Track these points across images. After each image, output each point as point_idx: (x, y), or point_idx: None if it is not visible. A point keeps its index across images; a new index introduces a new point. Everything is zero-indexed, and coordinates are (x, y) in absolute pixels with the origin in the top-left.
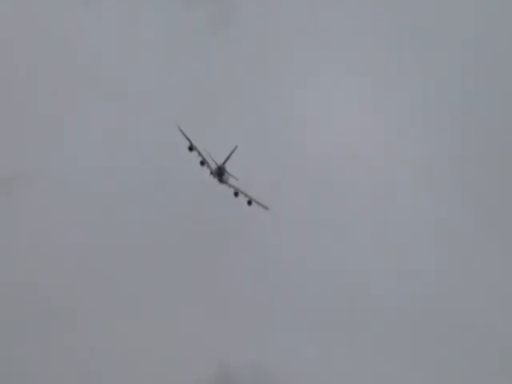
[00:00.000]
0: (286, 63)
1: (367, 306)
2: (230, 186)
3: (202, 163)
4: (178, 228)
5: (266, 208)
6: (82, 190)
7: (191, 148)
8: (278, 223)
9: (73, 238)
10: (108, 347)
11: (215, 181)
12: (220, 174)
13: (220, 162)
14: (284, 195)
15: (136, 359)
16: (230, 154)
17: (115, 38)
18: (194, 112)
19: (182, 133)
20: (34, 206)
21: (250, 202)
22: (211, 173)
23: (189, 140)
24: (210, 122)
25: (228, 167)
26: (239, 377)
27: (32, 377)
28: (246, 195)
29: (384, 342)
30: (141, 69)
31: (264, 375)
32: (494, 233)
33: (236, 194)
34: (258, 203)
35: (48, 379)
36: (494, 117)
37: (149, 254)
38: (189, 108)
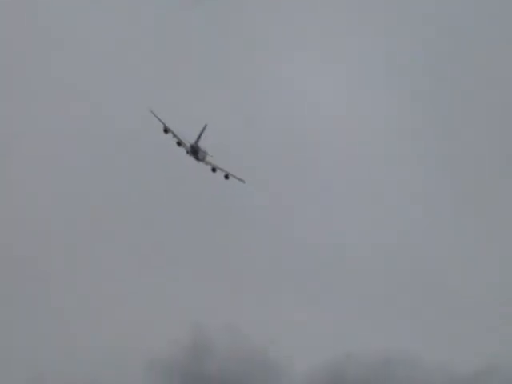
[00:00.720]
0: (262, 39)
1: (345, 268)
2: (207, 163)
3: (179, 144)
4: (160, 193)
5: (242, 181)
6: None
7: (166, 130)
8: (254, 194)
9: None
10: (81, 306)
11: (192, 159)
12: (195, 152)
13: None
14: (262, 168)
15: (110, 318)
16: (201, 133)
17: (83, 15)
18: (169, 90)
19: (155, 116)
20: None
21: (226, 177)
22: (187, 152)
23: (162, 122)
24: (185, 100)
25: (207, 146)
26: (214, 339)
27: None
28: (222, 170)
29: (352, 300)
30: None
31: (239, 337)
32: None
33: (214, 170)
34: (234, 177)
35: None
36: (476, 94)
37: (128, 215)
38: (163, 85)
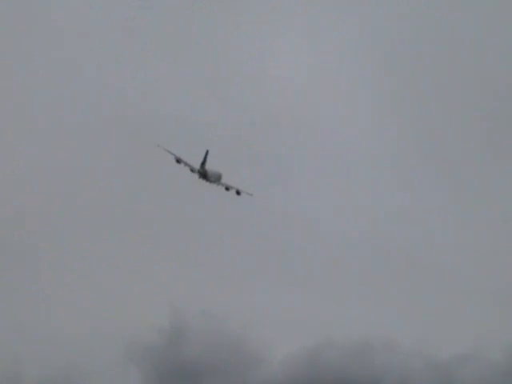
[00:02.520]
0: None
1: (324, 254)
2: (219, 183)
3: (178, 161)
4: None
5: (250, 195)
6: None
7: (178, 161)
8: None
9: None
10: (60, 292)
11: (204, 182)
12: (204, 176)
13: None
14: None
15: (89, 304)
16: (205, 157)
17: None
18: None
19: (166, 150)
20: None
21: (238, 192)
22: (200, 177)
23: (173, 154)
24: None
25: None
26: (192, 324)
27: None
28: (233, 187)
29: (330, 285)
30: None
31: (217, 323)
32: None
33: (227, 189)
34: (244, 192)
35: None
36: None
37: (111, 204)
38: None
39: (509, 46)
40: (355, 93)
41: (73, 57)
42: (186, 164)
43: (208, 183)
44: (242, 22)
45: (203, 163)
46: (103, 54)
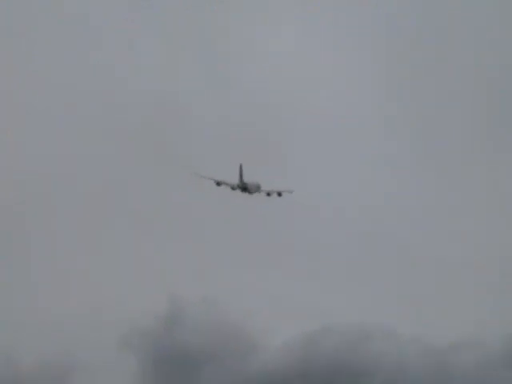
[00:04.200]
0: None
1: (320, 241)
2: (260, 191)
3: (219, 184)
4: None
5: (291, 192)
6: None
7: (218, 183)
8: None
9: None
10: (55, 278)
11: (246, 195)
12: (245, 189)
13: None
14: None
15: (86, 290)
16: (241, 172)
17: None
18: None
19: (202, 176)
20: None
21: (279, 194)
22: (232, 188)
23: (212, 179)
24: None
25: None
26: (190, 311)
27: None
28: (273, 191)
29: (328, 272)
30: None
31: (214, 310)
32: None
33: (268, 194)
34: (284, 191)
35: None
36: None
37: (106, 187)
38: None
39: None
40: (356, 80)
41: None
42: (226, 184)
43: (249, 194)
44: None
45: (241, 177)
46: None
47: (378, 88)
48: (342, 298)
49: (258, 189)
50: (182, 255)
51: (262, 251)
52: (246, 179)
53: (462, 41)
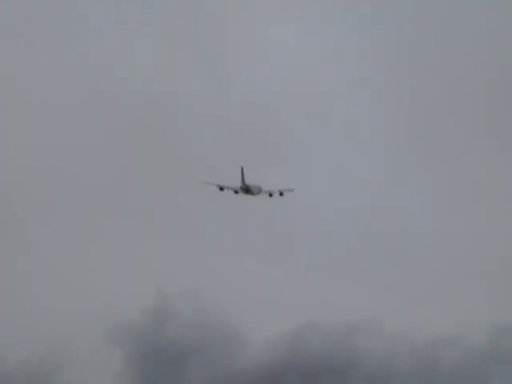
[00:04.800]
0: None
1: (308, 234)
2: (263, 192)
3: (222, 189)
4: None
5: (291, 191)
6: None
7: (221, 188)
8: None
9: None
10: (42, 269)
11: (249, 196)
12: (248, 190)
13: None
14: None
15: (73, 282)
16: (242, 174)
17: None
18: None
19: (208, 183)
20: None
21: (281, 194)
22: (235, 192)
23: (216, 185)
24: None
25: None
26: (177, 305)
27: None
28: (275, 191)
29: (314, 267)
30: None
31: (202, 304)
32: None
33: (270, 195)
34: (285, 190)
35: None
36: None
37: (94, 178)
38: None
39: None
40: (356, 80)
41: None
42: (228, 188)
43: (251, 196)
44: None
45: (243, 180)
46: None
47: (378, 87)
48: (329, 293)
49: (260, 190)
50: (170, 249)
51: (252, 247)
52: (248, 181)
53: (461, 40)
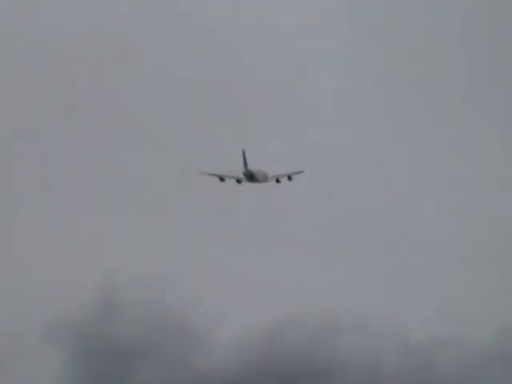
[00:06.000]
0: None
1: (285, 219)
2: (269, 179)
3: (222, 179)
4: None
5: (301, 172)
6: None
7: (222, 178)
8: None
9: None
10: None
11: (254, 184)
12: (252, 177)
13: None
14: None
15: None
16: (244, 157)
17: None
18: None
19: (207, 174)
20: None
21: (290, 178)
22: (237, 181)
23: (216, 175)
24: None
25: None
26: (127, 295)
27: None
28: (283, 176)
29: (293, 254)
30: None
31: (156, 295)
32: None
33: (278, 181)
34: (294, 173)
35: None
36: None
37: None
38: None
39: None
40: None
41: None
42: (230, 178)
43: (257, 183)
44: None
45: (245, 164)
46: None
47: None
48: (308, 283)
49: (265, 177)
50: (118, 231)
51: (218, 228)
52: (252, 168)
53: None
